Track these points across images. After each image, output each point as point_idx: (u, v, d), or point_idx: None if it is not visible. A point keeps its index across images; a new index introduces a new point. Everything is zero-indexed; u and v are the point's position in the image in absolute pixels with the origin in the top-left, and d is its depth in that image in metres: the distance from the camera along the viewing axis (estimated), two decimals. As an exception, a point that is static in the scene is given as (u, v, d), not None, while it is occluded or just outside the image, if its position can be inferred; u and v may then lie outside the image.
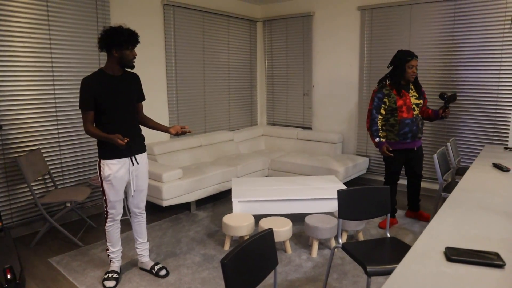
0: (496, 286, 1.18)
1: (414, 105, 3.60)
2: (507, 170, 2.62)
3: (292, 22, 5.83)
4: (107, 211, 2.84)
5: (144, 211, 3.05)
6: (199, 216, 4.29)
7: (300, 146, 5.70)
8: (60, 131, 3.92)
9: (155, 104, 4.78)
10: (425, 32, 4.69)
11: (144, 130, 4.00)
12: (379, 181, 5.34)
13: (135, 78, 2.87)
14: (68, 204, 3.65)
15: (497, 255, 1.35)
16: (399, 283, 1.20)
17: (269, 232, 1.71)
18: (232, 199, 3.67)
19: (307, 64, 5.76)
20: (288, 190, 3.85)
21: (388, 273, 1.89)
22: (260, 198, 3.66)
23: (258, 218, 4.14)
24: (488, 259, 1.32)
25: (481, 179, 2.43)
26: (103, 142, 2.71)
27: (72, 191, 3.70)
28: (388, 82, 3.67)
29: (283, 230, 3.28)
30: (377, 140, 3.62)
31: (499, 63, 4.28)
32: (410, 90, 3.64)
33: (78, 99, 3.99)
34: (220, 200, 4.84)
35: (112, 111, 2.68)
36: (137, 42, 2.70)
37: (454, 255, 1.35)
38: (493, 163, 2.79)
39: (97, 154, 4.23)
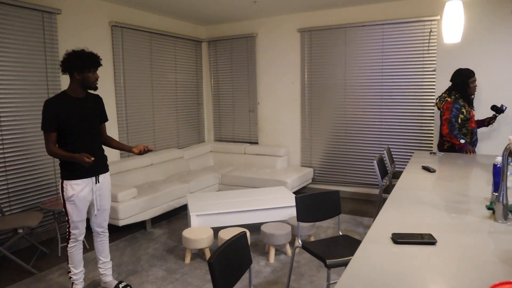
0: (431, 258, 1.51)
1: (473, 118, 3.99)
2: (434, 171, 3.08)
3: (236, 43, 6.15)
4: (69, 232, 2.86)
5: (107, 230, 3.10)
6: (156, 233, 4.35)
7: (248, 160, 5.97)
8: (6, 155, 3.80)
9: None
10: (358, 52, 5.24)
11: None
12: (323, 190, 5.74)
13: (98, 100, 2.95)
14: (20, 231, 3.54)
15: (430, 235, 1.69)
16: (359, 264, 1.48)
17: (243, 235, 1.92)
18: (190, 214, 3.81)
19: (252, 82, 6.10)
20: (243, 202, 4.07)
21: (345, 264, 2.19)
22: (217, 211, 3.84)
23: (216, 230, 4.30)
24: (424, 239, 1.66)
25: (413, 179, 2.85)
26: (66, 163, 2.75)
27: (23, 216, 3.60)
28: (458, 95, 3.97)
29: (242, 239, 3.48)
30: (462, 141, 3.87)
31: (421, 79, 4.92)
32: (469, 106, 3.99)
33: (23, 123, 3.91)
34: (175, 216, 4.93)
35: (76, 132, 2.75)
36: (99, 64, 2.81)
37: (399, 238, 1.67)
38: (422, 166, 3.25)
39: (47, 177, 4.15)
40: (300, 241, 2.56)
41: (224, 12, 5.43)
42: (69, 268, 2.93)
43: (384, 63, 5.10)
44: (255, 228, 4.39)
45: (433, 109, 4.90)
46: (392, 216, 2.03)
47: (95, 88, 2.82)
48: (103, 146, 3.05)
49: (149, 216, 4.40)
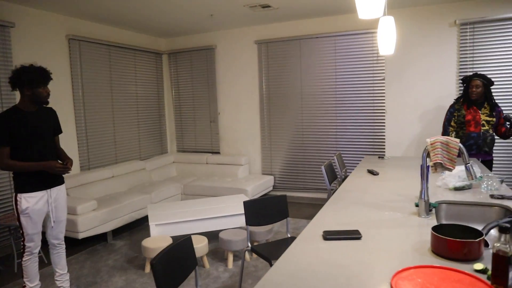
0: (355, 251, 1.68)
1: (484, 121, 3.91)
2: (377, 174, 3.31)
3: (196, 55, 6.28)
4: (24, 245, 2.87)
5: (63, 242, 3.12)
6: (117, 245, 4.36)
7: (210, 170, 6.07)
8: (-41, 171, 3.75)
9: (64, 137, 4.77)
10: (313, 62, 5.49)
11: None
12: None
13: (52, 113, 3.00)
14: (-26, 246, 3.49)
15: (357, 231, 1.87)
16: (288, 258, 1.63)
17: (188, 238, 2.04)
18: (149, 223, 3.87)
19: (212, 93, 6.23)
20: (202, 210, 4.17)
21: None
22: (175, 220, 3.92)
23: (176, 239, 4.35)
24: (351, 234, 1.83)
25: (357, 182, 3.06)
26: (20, 176, 2.77)
27: (-23, 232, 3.55)
28: (461, 100, 4.10)
29: (199, 247, 3.57)
30: None
31: (372, 87, 5.20)
32: (483, 108, 3.94)
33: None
34: (137, 227, 4.95)
35: (29, 145, 2.78)
36: (49, 79, 2.86)
37: (328, 235, 1.83)
38: (367, 169, 3.47)
39: (3, 192, 4.10)
40: (249, 244, 2.69)
41: (183, 25, 5.55)
42: (24, 283, 2.93)
43: (337, 73, 5.37)
44: (215, 235, 4.48)
45: (384, 116, 5.19)
46: (328, 216, 2.20)
47: (46, 103, 2.87)
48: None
49: (110, 228, 4.41)
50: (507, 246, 1.30)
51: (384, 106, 5.18)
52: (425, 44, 4.90)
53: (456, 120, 4.11)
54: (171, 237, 4.34)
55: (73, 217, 4.07)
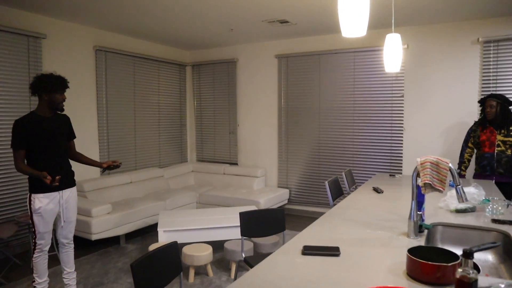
0: (330, 268, 1.67)
1: (499, 142, 3.85)
2: (381, 192, 3.26)
3: (218, 67, 6.44)
4: (35, 242, 3.03)
5: (72, 242, 3.27)
6: (128, 248, 4.50)
7: (227, 180, 6.14)
8: (-14, 170, 4.02)
9: (86, 144, 5.00)
10: (331, 78, 5.50)
11: (75, 168, 4.23)
12: (298, 210, 5.89)
13: (66, 119, 3.18)
14: (-7, 241, 3.72)
15: (337, 248, 1.86)
16: (263, 270, 1.65)
17: (174, 244, 2.09)
18: (158, 229, 3.97)
19: (232, 105, 6.35)
20: (210, 220, 4.23)
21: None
22: (183, 227, 4.01)
23: (183, 246, 4.44)
24: (329, 251, 1.83)
25: (358, 199, 3.03)
26: (33, 178, 2.95)
27: (-2, 228, 3.78)
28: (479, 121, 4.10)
29: (203, 255, 3.63)
30: (457, 170, 4.12)
31: (390, 104, 5.14)
32: (501, 129, 3.87)
33: (4, 141, 4.14)
34: (150, 233, 5.07)
35: (43, 149, 2.96)
36: (66, 87, 3.04)
37: (307, 250, 1.84)
38: (373, 187, 3.42)
39: (23, 192, 4.34)
40: (243, 255, 2.72)
41: (206, 38, 5.72)
42: (34, 278, 3.09)
43: (356, 88, 5.34)
44: (222, 245, 4.53)
45: (402, 133, 5.10)
46: (316, 231, 2.20)
47: (62, 110, 3.05)
48: (73, 162, 3.26)
49: (123, 231, 4.56)
50: (470, 271, 1.27)
51: (402, 123, 5.08)
52: (447, 62, 4.79)
53: (472, 141, 4.11)
54: (179, 243, 4.42)
55: (87, 219, 4.25)
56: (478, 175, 4.09)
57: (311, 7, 4.14)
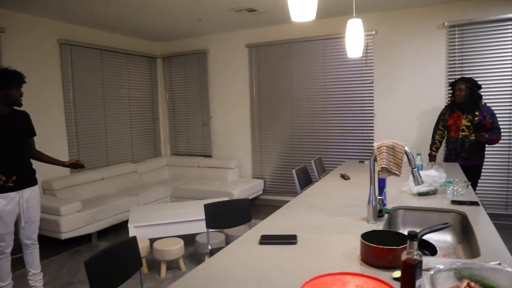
0: (285, 256, 1.66)
1: (464, 126, 3.89)
2: (348, 178, 3.27)
3: (189, 58, 6.34)
4: (-5, 245, 2.93)
5: (37, 242, 3.18)
6: (101, 246, 4.42)
7: (201, 173, 6.09)
8: None
9: (54, 140, 4.87)
10: (302, 66, 5.48)
11: (43, 166, 4.14)
12: (274, 200, 5.90)
13: (25, 116, 3.07)
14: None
15: (294, 236, 1.85)
16: (218, 261, 1.63)
17: (133, 239, 2.05)
18: (129, 225, 3.91)
19: (204, 97, 6.27)
20: (182, 213, 4.19)
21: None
22: (154, 222, 3.95)
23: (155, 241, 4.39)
24: (286, 239, 1.82)
25: (324, 186, 3.03)
26: (-11, 178, 2.84)
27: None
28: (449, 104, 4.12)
29: (175, 249, 3.59)
30: (428, 151, 4.27)
31: (361, 90, 5.16)
32: (466, 113, 3.90)
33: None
34: (123, 229, 4.99)
35: (0, 147, 2.85)
36: (22, 82, 2.93)
37: (264, 239, 1.82)
38: (340, 174, 3.44)
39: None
40: (209, 247, 2.69)
41: (176, 29, 5.61)
42: (-4, 281, 3.00)
43: (327, 76, 5.34)
44: (194, 238, 4.49)
45: (372, 119, 5.13)
46: (277, 220, 2.18)
47: (19, 105, 2.94)
48: (33, 160, 3.16)
49: (94, 229, 4.47)
50: (415, 253, 1.28)
51: (372, 110, 5.12)
52: (414, 47, 4.83)
53: (442, 124, 4.18)
54: (150, 239, 4.37)
55: (56, 218, 4.15)
56: (446, 158, 4.16)
57: (276, -5, 4.10)
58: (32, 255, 3.17)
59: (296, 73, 5.53)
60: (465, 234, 2.16)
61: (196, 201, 4.72)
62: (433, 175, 2.64)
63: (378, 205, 2.12)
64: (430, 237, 2.23)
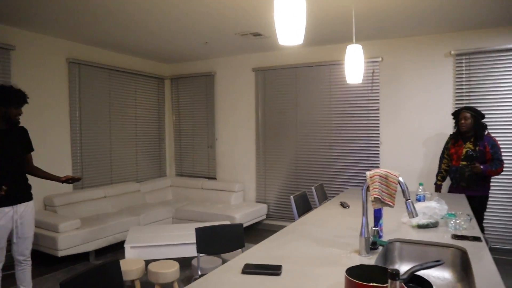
0: (271, 287, 1.59)
1: (463, 156, 3.87)
2: (347, 206, 3.17)
3: (196, 80, 6.40)
4: (-14, 260, 2.91)
5: (29, 259, 3.15)
6: (97, 265, 4.35)
7: (205, 195, 6.04)
8: None
9: (59, 157, 4.90)
10: (308, 91, 5.46)
11: (46, 182, 4.14)
12: (277, 226, 5.78)
13: (22, 131, 3.09)
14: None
15: (279, 267, 1.77)
16: (199, 286, 1.56)
17: (115, 262, 1.99)
18: (125, 245, 3.85)
19: (211, 119, 6.28)
20: (180, 236, 4.11)
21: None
22: (150, 243, 3.89)
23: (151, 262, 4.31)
24: (269, 269, 1.73)
25: (320, 214, 2.94)
26: (-18, 192, 2.85)
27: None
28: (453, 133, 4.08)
29: (169, 272, 3.50)
30: (434, 181, 4.25)
31: (366, 117, 5.09)
32: (468, 142, 3.84)
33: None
34: (122, 249, 4.93)
35: (-2, 162, 2.86)
36: (24, 102, 2.96)
37: (246, 268, 1.75)
38: (340, 202, 3.34)
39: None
40: (199, 272, 2.61)
41: (183, 51, 5.69)
42: (-13, 297, 2.96)
43: (332, 102, 5.30)
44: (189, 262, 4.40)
45: (378, 146, 5.04)
46: (265, 248, 2.10)
47: (17, 123, 2.98)
48: (34, 177, 3.17)
49: (92, 247, 4.42)
50: (396, 293, 1.19)
51: (378, 136, 5.04)
52: (421, 74, 4.78)
53: (446, 153, 4.11)
54: (146, 260, 4.29)
55: (54, 234, 4.12)
56: (450, 188, 4.07)
57: (282, 20, 4.12)
58: (24, 272, 3.13)
59: (302, 97, 5.52)
60: (465, 271, 2.04)
61: (196, 223, 4.65)
62: (433, 206, 2.54)
63: (371, 237, 2.03)
64: (428, 273, 2.12)
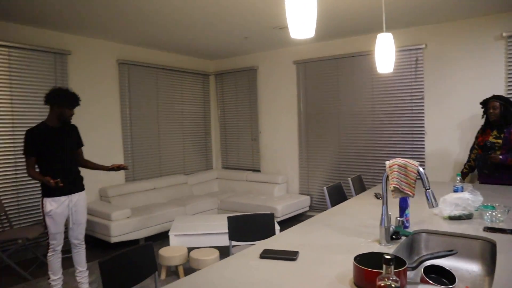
0: (281, 271, 1.66)
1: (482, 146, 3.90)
2: (381, 197, 3.14)
3: (240, 75, 6.55)
4: (48, 242, 3.26)
5: (83, 242, 3.47)
6: (146, 252, 4.66)
7: (249, 187, 6.19)
8: (18, 176, 4.38)
9: (111, 152, 5.29)
10: (349, 82, 5.40)
11: (101, 174, 4.51)
12: (320, 217, 5.78)
13: (74, 129, 3.41)
14: (20, 241, 4.04)
15: (295, 253, 1.84)
16: (212, 271, 1.68)
17: (149, 245, 2.18)
18: (169, 233, 4.10)
19: (254, 112, 6.41)
20: (219, 225, 4.29)
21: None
22: (193, 232, 4.11)
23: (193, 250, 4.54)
24: (286, 255, 1.81)
25: (351, 204, 2.94)
26: (43, 183, 3.19)
27: (25, 229, 4.11)
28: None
29: (210, 259, 3.69)
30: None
31: (410, 107, 4.94)
32: (495, 130, 3.84)
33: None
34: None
35: (52, 156, 3.19)
36: (77, 104, 3.26)
37: (264, 253, 1.84)
38: (375, 193, 3.31)
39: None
40: (231, 259, 2.74)
41: (227, 47, 5.85)
42: (49, 275, 3.32)
43: (374, 92, 5.19)
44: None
45: (423, 137, 4.87)
46: (288, 236, 2.18)
47: (69, 122, 3.29)
48: (81, 168, 3.49)
49: (142, 235, 4.75)
50: (390, 278, 1.22)
51: (423, 127, 4.86)
52: (468, 60, 4.53)
53: (475, 142, 4.10)
54: (188, 248, 4.53)
55: (107, 222, 4.48)
56: (478, 177, 4.04)
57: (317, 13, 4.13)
58: (79, 254, 3.46)
59: (344, 88, 5.46)
60: (495, 265, 1.97)
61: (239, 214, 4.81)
62: (466, 197, 2.45)
63: (393, 227, 2.03)
64: (456, 266, 2.08)
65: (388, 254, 1.24)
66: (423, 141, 4.87)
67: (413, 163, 1.91)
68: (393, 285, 1.20)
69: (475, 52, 4.49)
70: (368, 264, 1.54)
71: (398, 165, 1.93)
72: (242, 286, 1.52)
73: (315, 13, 1.69)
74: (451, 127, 4.70)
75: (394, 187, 1.92)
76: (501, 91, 4.36)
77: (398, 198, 2.13)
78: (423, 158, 4.89)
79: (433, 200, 1.86)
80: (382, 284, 1.22)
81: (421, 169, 1.89)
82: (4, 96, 4.27)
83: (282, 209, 5.21)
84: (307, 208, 5.83)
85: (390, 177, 1.95)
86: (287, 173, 6.12)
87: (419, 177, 1.92)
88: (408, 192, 1.91)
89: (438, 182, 3.82)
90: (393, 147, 5.10)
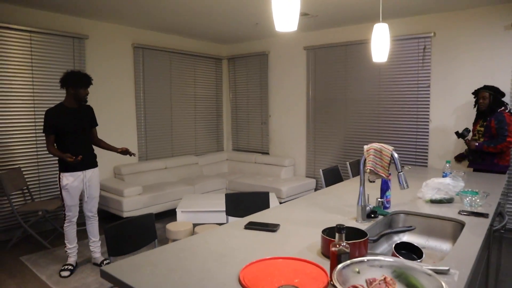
0: (260, 240, 1.87)
1: (476, 132, 4.10)
2: (373, 181, 3.29)
3: (251, 60, 6.69)
4: (65, 214, 3.57)
5: (96, 215, 3.77)
6: (157, 227, 4.96)
7: (257, 169, 6.41)
8: (39, 153, 4.71)
9: (125, 133, 5.57)
10: (357, 68, 5.48)
11: (115, 154, 4.78)
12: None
13: (89, 109, 3.67)
14: (40, 213, 4.39)
15: (276, 225, 2.04)
16: (200, 237, 1.90)
17: (149, 215, 2.42)
18: (176, 209, 4.38)
19: (264, 96, 6.57)
20: (223, 204, 4.51)
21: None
22: (198, 209, 4.36)
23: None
24: (268, 227, 2.02)
25: (343, 186, 3.12)
26: (61, 158, 3.48)
27: (45, 202, 4.45)
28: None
29: (212, 234, 3.95)
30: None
31: (416, 94, 5.02)
32: (482, 120, 4.05)
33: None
34: (179, 214, 5.52)
35: (69, 135, 3.46)
36: (89, 83, 3.51)
37: (249, 225, 2.05)
38: (369, 176, 3.46)
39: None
40: (227, 233, 2.97)
41: (239, 32, 6.00)
42: (65, 244, 3.65)
43: (381, 79, 5.27)
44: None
45: (427, 124, 4.95)
46: (274, 212, 2.38)
47: (85, 102, 3.54)
48: (95, 146, 3.76)
49: (152, 211, 5.03)
50: (342, 244, 1.41)
51: (428, 115, 4.93)
52: (477, 49, 4.55)
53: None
54: (194, 224, 4.79)
55: (120, 198, 4.79)
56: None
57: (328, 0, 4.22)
58: (92, 226, 3.76)
59: (351, 75, 5.55)
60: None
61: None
62: (447, 183, 2.59)
63: (370, 206, 2.21)
64: (428, 244, 2.25)
65: (342, 225, 1.42)
66: (427, 129, 4.96)
67: (387, 148, 2.06)
68: (343, 250, 1.39)
69: (484, 41, 4.51)
70: (332, 235, 1.73)
71: (374, 149, 2.09)
72: (223, 250, 1.74)
73: (298, 9, 1.84)
74: (456, 116, 4.76)
75: (369, 169, 2.08)
76: (508, 81, 4.38)
77: (380, 180, 2.30)
78: (427, 145, 4.98)
79: (404, 182, 2.02)
80: (333, 249, 1.41)
81: (395, 153, 2.05)
82: (26, 78, 4.57)
83: (287, 191, 5.42)
84: (313, 191, 6.01)
85: (367, 160, 2.11)
86: (294, 156, 6.30)
87: (393, 161, 2.08)
88: (382, 174, 2.08)
89: (439, 169, 3.93)
90: (397, 134, 5.20)
